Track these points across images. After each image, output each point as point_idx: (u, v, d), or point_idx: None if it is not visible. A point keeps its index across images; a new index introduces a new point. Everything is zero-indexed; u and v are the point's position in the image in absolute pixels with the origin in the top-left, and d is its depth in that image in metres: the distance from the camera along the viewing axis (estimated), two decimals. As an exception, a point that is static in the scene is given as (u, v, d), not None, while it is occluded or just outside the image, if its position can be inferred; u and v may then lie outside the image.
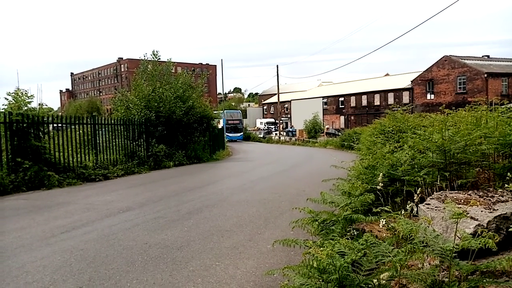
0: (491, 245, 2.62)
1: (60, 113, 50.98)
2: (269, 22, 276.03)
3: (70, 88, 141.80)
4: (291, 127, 63.42)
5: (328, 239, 3.81)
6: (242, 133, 55.49)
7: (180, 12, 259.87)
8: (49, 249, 5.76)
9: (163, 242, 6.03)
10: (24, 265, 5.10)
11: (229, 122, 52.21)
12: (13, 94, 13.28)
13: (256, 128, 72.34)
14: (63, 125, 14.54)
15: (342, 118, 64.67)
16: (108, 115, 29.63)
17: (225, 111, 55.85)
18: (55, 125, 14.40)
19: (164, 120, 20.08)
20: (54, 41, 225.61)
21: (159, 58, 23.04)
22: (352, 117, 62.02)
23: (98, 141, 15.42)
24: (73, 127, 14.74)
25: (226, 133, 48.30)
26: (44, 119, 13.25)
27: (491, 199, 3.92)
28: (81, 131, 14.95)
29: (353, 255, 2.83)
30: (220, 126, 48.62)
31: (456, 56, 46.14)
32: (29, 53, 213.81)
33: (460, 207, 3.30)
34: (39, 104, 14.48)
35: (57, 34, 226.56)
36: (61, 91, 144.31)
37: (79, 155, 14.03)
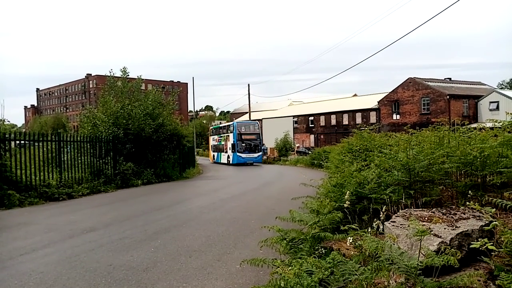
0: (453, 262, 2.67)
1: (24, 130, 49.04)
2: (241, 41, 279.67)
3: (36, 104, 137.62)
4: (262, 146, 63.27)
5: (296, 258, 3.79)
6: (261, 153, 40.77)
7: (151, 28, 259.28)
8: (5, 273, 5.45)
9: (128, 264, 5.84)
10: (-23, 290, 4.81)
11: (242, 137, 39.07)
12: (-27, 109, 12.76)
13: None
14: (26, 142, 14.02)
15: (312, 137, 65.52)
16: (74, 132, 28.86)
17: (235, 122, 42.94)
18: (17, 142, 13.87)
19: (133, 137, 19.71)
20: (18, 55, 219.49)
21: (128, 75, 22.79)
22: (322, 136, 62.97)
23: (63, 159, 14.92)
24: (37, 144, 14.24)
25: (238, 153, 38.20)
26: (6, 136, 12.75)
27: (454, 217, 4.03)
28: (45, 149, 14.45)
29: (320, 273, 2.83)
30: (230, 142, 39.19)
31: (420, 78, 47.97)
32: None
33: (424, 225, 3.37)
34: (1, 120, 13.91)
35: (22, 47, 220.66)
36: (25, 107, 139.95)
37: (42, 173, 13.51)
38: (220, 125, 49.79)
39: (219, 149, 44.17)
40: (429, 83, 46.85)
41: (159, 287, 4.90)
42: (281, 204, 11.07)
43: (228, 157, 40.06)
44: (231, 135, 39.87)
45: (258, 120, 74.62)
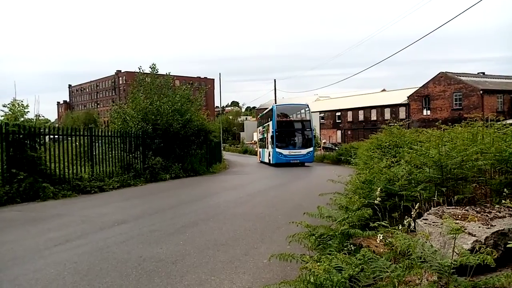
0: (489, 261, 2.60)
1: (57, 125, 50.67)
2: (268, 37, 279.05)
3: (68, 100, 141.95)
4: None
5: (325, 254, 3.77)
6: (311, 149, 28.89)
7: (179, 25, 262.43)
8: (42, 262, 5.67)
9: (157, 256, 5.96)
10: (16, 278, 5.02)
11: (284, 126, 28.39)
12: (9, 105, 13.29)
13: (253, 141, 71.73)
14: (60, 136, 14.50)
15: (339, 132, 64.86)
16: (105, 127, 29.60)
17: (275, 105, 30.62)
18: (51, 136, 14.37)
19: (161, 132, 20.08)
20: (52, 52, 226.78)
21: (157, 71, 23.15)
22: (349, 132, 62.22)
23: (94, 153, 15.36)
24: (69, 138, 14.71)
25: (277, 149, 27.38)
26: (41, 130, 13.22)
27: (489, 215, 3.91)
28: (77, 143, 14.91)
29: (350, 270, 2.80)
30: (269, 134, 29.11)
31: (452, 72, 46.56)
32: (27, 64, 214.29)
33: (458, 223, 3.28)
34: (36, 115, 14.48)
35: (55, 45, 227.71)
36: (58, 102, 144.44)
37: (75, 167, 13.96)
38: (264, 112, 37.33)
39: (262, 144, 33.82)
40: (461, 77, 45.42)
41: (188, 279, 4.98)
42: (308, 200, 11.02)
43: (269, 154, 29.57)
44: (270, 124, 28.90)
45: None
